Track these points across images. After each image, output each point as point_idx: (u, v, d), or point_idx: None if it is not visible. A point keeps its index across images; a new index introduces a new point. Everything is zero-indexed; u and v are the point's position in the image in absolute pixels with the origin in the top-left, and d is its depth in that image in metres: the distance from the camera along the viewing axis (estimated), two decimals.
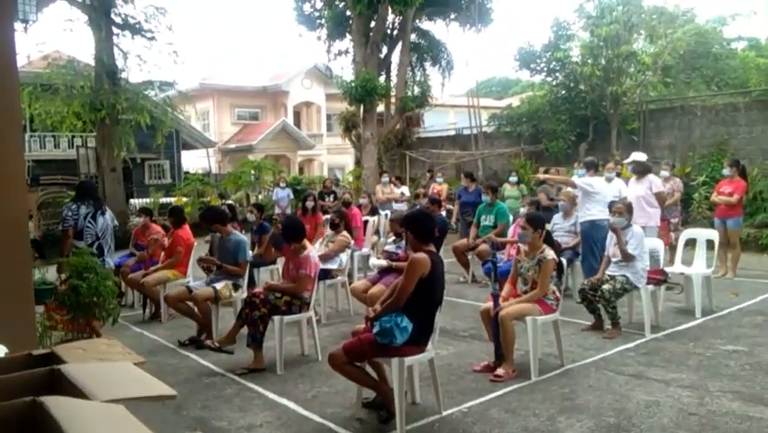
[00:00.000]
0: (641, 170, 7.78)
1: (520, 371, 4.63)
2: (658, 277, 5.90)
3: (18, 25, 5.46)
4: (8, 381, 1.29)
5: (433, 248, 3.97)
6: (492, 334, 4.78)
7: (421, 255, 3.81)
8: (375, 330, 3.70)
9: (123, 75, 14.51)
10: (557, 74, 16.43)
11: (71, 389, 1.19)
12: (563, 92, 16.28)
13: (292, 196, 15.25)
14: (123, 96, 13.92)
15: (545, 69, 16.61)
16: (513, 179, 11.06)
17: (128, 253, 7.90)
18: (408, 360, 3.77)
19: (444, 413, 3.96)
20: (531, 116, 16.61)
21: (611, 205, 6.11)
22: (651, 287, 5.76)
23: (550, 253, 4.76)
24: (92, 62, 14.38)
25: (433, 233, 4.00)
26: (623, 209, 5.77)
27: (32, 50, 13.94)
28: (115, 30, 14.38)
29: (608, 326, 5.70)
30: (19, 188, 3.78)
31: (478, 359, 4.98)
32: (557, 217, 7.66)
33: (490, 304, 4.81)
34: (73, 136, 19.24)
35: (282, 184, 15.33)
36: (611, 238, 5.87)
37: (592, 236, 6.90)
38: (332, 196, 12.77)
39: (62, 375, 1.27)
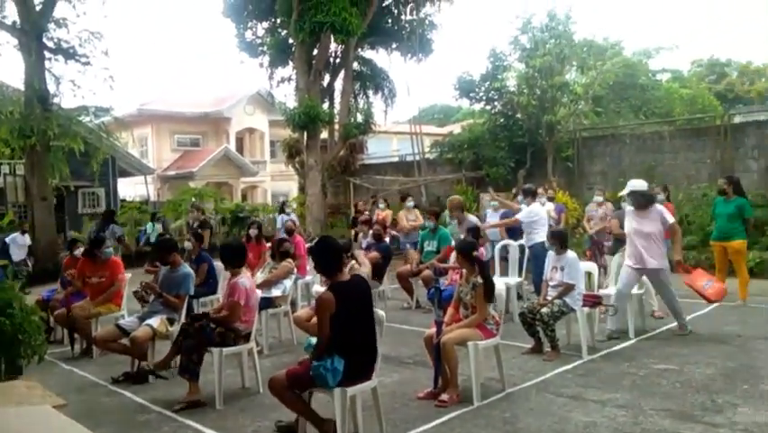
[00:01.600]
0: (644, 202, 6.45)
1: (463, 396, 4.66)
2: (593, 299, 6.10)
3: None
4: None
5: (343, 277, 3.86)
6: (434, 360, 4.80)
7: (323, 295, 3.76)
8: (311, 373, 3.66)
9: (56, 100, 13.99)
10: (495, 103, 16.96)
11: None
12: (502, 120, 16.80)
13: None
14: (56, 121, 13.37)
15: (484, 97, 17.11)
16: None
17: (55, 288, 7.51)
18: (351, 390, 3.73)
19: None
20: (472, 143, 17.03)
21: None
22: (587, 309, 5.95)
23: (479, 279, 4.85)
24: (22, 87, 13.81)
25: (331, 262, 3.88)
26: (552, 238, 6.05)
27: None
28: (48, 54, 13.90)
29: (548, 348, 5.82)
30: None
31: (423, 386, 4.97)
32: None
33: (434, 330, 4.83)
34: (0, 164, 18.32)
35: (288, 210, 13.85)
36: (549, 262, 6.05)
37: (542, 257, 7.01)
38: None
39: None
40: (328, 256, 3.92)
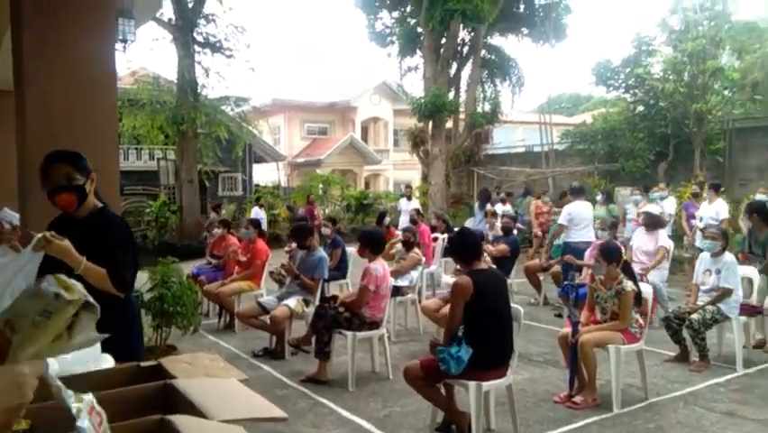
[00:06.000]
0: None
1: (601, 401, 4.42)
2: (752, 309, 5.51)
3: (117, 45, 5.79)
4: (123, 393, 1.32)
5: (481, 265, 3.85)
6: (569, 361, 4.59)
7: (461, 279, 3.71)
8: (437, 357, 3.64)
9: (204, 92, 15.15)
10: (636, 90, 15.90)
11: (187, 406, 1.20)
12: (642, 109, 15.74)
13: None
14: (203, 110, 14.52)
15: (623, 84, 16.12)
16: (600, 197, 9.92)
17: (206, 263, 8.15)
18: (486, 385, 3.66)
19: None
20: (606, 134, 16.12)
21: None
22: (744, 318, 5.39)
23: (629, 285, 4.51)
24: (174, 78, 15.09)
25: (471, 251, 3.87)
26: (717, 234, 5.45)
27: (121, 67, 14.82)
28: (197, 48, 15.06)
29: (695, 358, 5.36)
30: (113, 197, 3.97)
31: (554, 386, 4.80)
32: None
33: (568, 330, 4.62)
34: (153, 149, 20.21)
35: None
36: (701, 264, 5.55)
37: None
38: None
39: (175, 391, 1.29)
40: (467, 245, 3.91)
